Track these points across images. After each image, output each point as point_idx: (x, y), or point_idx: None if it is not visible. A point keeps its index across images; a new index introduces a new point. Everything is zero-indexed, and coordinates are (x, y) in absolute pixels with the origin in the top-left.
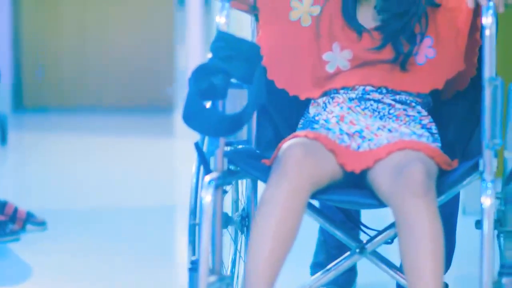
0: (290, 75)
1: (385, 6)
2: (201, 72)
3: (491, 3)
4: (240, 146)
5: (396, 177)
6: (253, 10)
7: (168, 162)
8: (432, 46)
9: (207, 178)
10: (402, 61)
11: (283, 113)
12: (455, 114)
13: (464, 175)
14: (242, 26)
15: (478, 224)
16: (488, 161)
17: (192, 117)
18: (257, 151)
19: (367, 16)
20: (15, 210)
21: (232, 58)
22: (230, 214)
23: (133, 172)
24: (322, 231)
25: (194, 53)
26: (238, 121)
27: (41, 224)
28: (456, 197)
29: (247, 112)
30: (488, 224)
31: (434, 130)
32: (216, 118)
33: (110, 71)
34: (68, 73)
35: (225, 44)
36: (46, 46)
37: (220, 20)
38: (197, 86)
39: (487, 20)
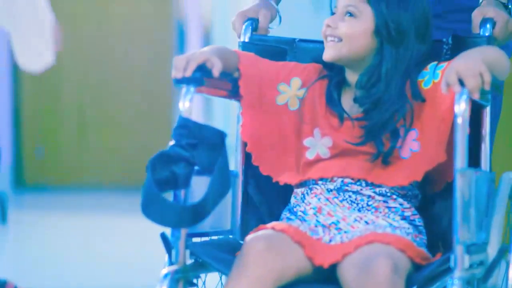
0: (275, 161)
1: (362, 99)
2: (161, 161)
3: (465, 89)
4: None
5: (361, 273)
6: (233, 95)
7: None
8: (417, 139)
9: (164, 271)
10: (384, 158)
11: (268, 202)
12: (446, 207)
13: (439, 270)
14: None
15: None
16: (460, 257)
17: (150, 208)
18: (241, 242)
19: (350, 103)
20: None
21: (195, 145)
22: None
23: (134, 253)
24: None
25: None
26: (200, 212)
27: None
28: None
29: (208, 202)
30: None
31: (418, 223)
32: (176, 209)
33: (110, 150)
34: (68, 152)
35: (187, 132)
36: (46, 125)
37: (183, 105)
38: (156, 175)
39: (460, 107)
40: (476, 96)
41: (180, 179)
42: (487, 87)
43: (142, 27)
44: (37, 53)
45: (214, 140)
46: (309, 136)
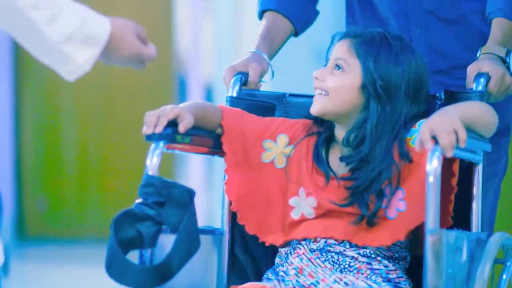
0: (261, 220)
1: (349, 157)
2: (126, 219)
3: (438, 147)
4: None
5: None
6: (216, 152)
7: None
8: (403, 199)
9: None
10: (368, 220)
11: (254, 261)
12: None
13: None
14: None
15: None
16: None
17: (113, 268)
18: None
19: (338, 161)
20: None
21: (163, 204)
22: None
23: None
24: None
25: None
26: (164, 272)
27: None
28: None
29: (173, 262)
30: None
31: (404, 286)
32: (137, 270)
33: (112, 203)
34: (70, 204)
35: (154, 190)
36: (47, 177)
37: (150, 162)
38: (121, 234)
39: (431, 165)
40: (449, 154)
41: (145, 239)
42: (462, 145)
43: (142, 82)
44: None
45: (183, 199)
46: (295, 195)
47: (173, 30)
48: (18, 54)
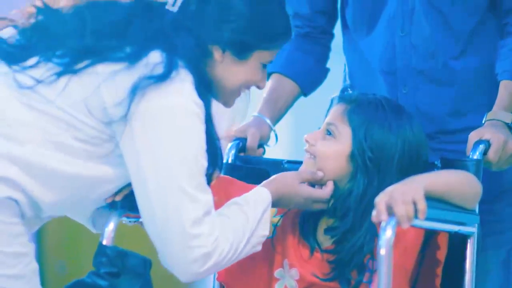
0: None
1: (333, 230)
2: None
3: (393, 218)
4: None
5: None
6: None
7: None
8: None
9: None
10: None
11: None
12: None
13: None
14: None
15: None
16: None
17: None
18: None
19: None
20: None
21: (117, 274)
22: None
23: None
24: None
25: None
26: None
27: None
28: None
29: None
30: None
31: None
32: None
33: None
34: (89, 266)
35: (107, 260)
36: (67, 242)
37: (107, 229)
38: None
39: (384, 237)
40: (405, 226)
41: None
42: (421, 216)
43: None
44: None
45: (138, 268)
46: (280, 267)
47: None
48: None
